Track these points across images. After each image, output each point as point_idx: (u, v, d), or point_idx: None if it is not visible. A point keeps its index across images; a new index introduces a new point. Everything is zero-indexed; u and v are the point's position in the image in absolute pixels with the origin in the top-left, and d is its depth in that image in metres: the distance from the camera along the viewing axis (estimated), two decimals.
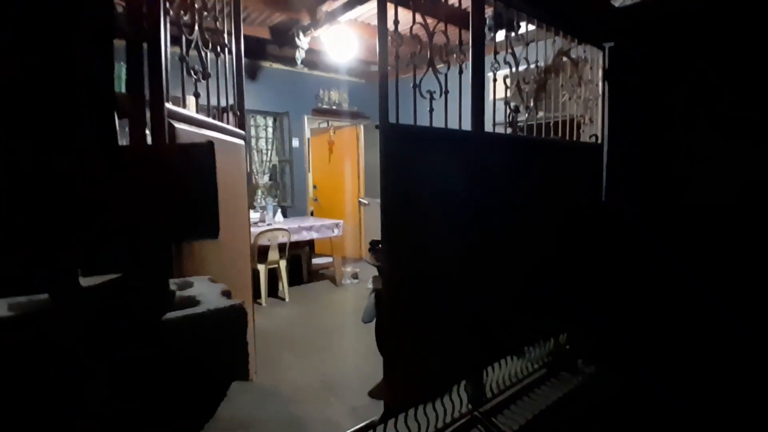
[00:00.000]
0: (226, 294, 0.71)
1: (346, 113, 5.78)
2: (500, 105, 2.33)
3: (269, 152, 5.43)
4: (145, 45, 1.15)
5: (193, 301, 0.63)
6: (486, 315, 2.06)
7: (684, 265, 2.47)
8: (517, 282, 2.24)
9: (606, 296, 2.69)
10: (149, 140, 1.14)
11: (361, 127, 6.00)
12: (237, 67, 1.99)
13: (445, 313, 1.89)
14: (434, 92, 1.85)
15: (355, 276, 5.16)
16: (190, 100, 1.93)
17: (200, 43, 1.54)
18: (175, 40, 1.49)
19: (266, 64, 5.13)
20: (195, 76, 1.54)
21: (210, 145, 0.62)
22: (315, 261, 5.84)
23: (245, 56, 4.92)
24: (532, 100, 2.48)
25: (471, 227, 1.96)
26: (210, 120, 1.51)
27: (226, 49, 1.90)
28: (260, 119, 5.28)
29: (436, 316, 1.86)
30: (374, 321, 2.66)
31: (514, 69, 2.27)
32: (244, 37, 4.57)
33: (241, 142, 1.90)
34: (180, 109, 1.30)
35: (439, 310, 1.86)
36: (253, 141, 5.25)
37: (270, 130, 5.39)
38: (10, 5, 0.53)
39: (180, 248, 1.18)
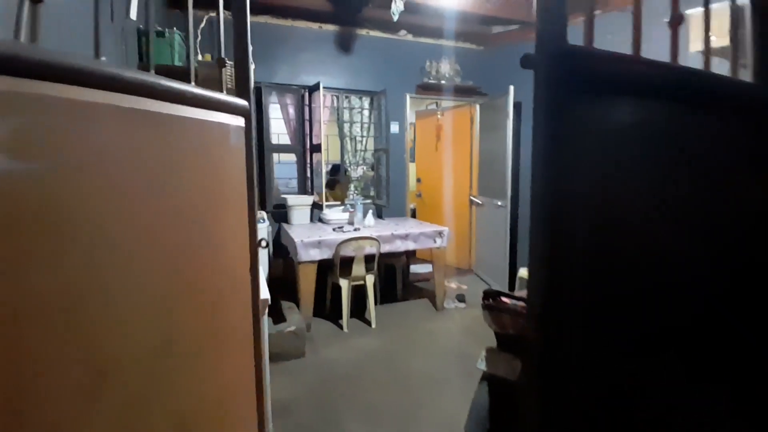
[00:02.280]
0: None
1: (458, 89, 4.62)
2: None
3: (364, 140, 4.59)
4: None
5: None
6: None
7: None
8: None
9: None
10: None
11: (477, 106, 4.79)
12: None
13: None
14: None
15: (460, 298, 4.07)
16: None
17: None
18: None
19: (362, 31, 4.24)
20: None
21: None
22: (413, 269, 4.90)
23: (336, 23, 4.11)
24: None
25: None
26: (106, 69, 0.58)
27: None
28: (355, 100, 4.45)
29: None
30: None
31: None
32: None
33: (235, 120, 0.97)
34: None
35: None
36: (347, 127, 4.45)
37: (366, 113, 4.53)
38: None
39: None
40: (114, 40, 2.32)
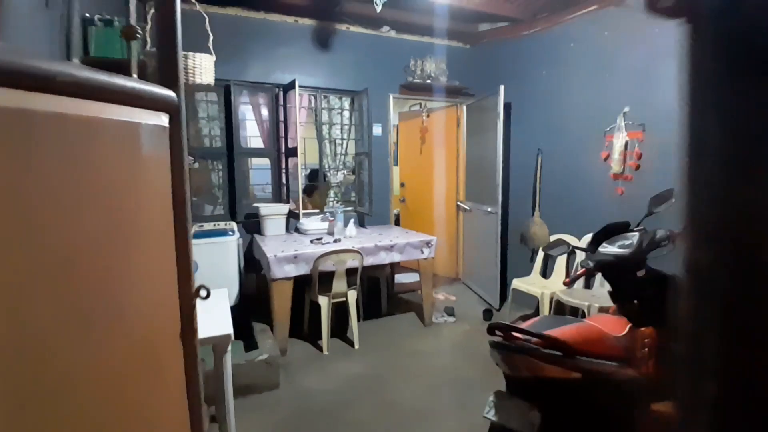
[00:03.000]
0: None
1: (444, 89, 4.37)
2: None
3: (345, 143, 4.28)
4: None
5: None
6: None
7: None
8: None
9: None
10: None
11: (464, 107, 4.55)
12: None
13: None
14: None
15: (449, 311, 3.80)
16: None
17: None
18: None
19: (342, 27, 3.94)
20: None
21: None
22: (398, 278, 4.61)
23: (314, 17, 3.80)
24: None
25: None
26: None
27: None
28: (334, 100, 4.14)
29: None
30: None
31: None
32: None
33: (152, 118, 0.66)
34: None
35: None
36: (325, 129, 4.13)
37: (346, 114, 4.23)
38: None
39: None
40: (50, 29, 1.95)
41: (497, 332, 1.49)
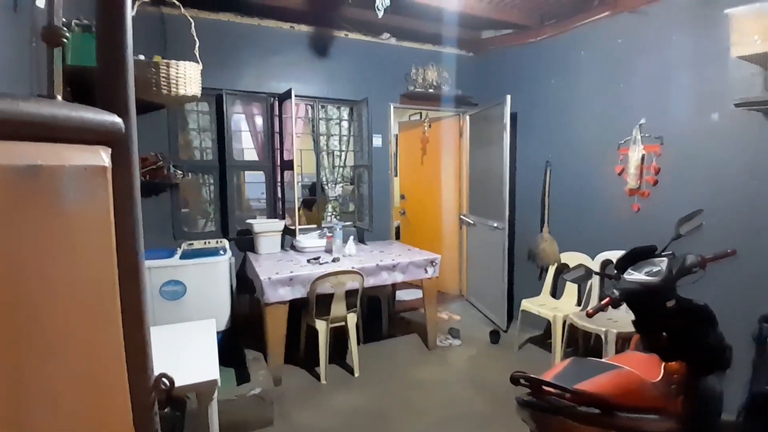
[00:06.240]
0: None
1: (447, 99, 4.19)
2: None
3: (343, 154, 4.09)
4: None
5: None
6: None
7: None
8: None
9: None
10: None
11: (467, 117, 4.38)
12: None
13: None
14: None
15: (454, 333, 3.58)
16: None
17: None
18: None
19: (340, 33, 3.76)
20: None
21: None
22: (399, 295, 4.40)
23: (312, 24, 3.62)
24: None
25: None
26: None
27: None
28: (332, 110, 3.95)
29: None
30: None
31: None
32: None
33: (84, 156, 0.45)
34: None
35: None
36: (323, 140, 3.94)
37: (345, 124, 4.04)
38: None
39: None
40: (18, 35, 1.74)
41: (522, 382, 1.29)
